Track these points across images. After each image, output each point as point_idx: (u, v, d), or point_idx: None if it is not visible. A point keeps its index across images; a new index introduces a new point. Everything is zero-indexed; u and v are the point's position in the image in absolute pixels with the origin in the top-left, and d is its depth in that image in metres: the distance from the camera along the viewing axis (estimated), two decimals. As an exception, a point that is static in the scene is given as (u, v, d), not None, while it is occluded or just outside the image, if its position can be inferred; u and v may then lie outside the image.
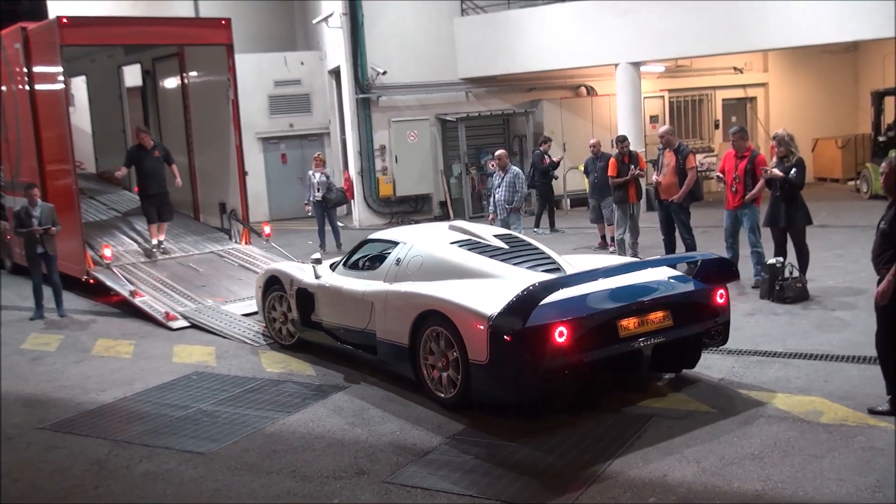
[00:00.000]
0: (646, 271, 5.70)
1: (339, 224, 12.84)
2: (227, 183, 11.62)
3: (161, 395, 6.26)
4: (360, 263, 7.03)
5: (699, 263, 5.90)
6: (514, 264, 5.96)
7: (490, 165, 16.45)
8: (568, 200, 16.61)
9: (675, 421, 5.08)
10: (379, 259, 6.89)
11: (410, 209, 16.97)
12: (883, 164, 4.54)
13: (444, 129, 17.12)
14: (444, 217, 16.29)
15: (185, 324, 8.28)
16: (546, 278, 5.49)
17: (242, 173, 11.28)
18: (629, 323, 5.31)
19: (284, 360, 6.92)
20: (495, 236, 6.47)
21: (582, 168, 12.63)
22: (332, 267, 7.22)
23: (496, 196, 10.55)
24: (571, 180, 16.21)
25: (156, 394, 6.27)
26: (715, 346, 5.90)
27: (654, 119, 17.17)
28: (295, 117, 19.34)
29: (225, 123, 11.25)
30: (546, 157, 13.71)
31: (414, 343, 5.78)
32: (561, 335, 5.02)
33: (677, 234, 9.48)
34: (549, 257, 6.22)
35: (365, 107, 16.64)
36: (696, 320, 5.61)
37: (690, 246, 9.35)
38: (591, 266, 5.88)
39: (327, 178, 12.80)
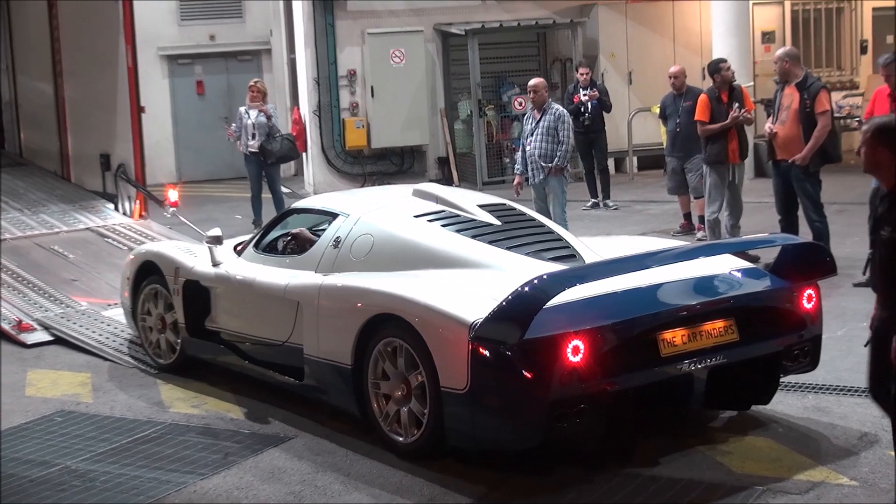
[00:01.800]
0: (701, 261, 5.59)
1: (285, 189, 12.42)
2: (112, 125, 11.60)
3: (8, 445, 6.03)
4: (282, 245, 6.87)
5: (780, 251, 5.79)
6: (510, 248, 5.85)
7: (516, 104, 15.72)
8: (634, 160, 15.95)
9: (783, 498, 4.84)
10: (305, 238, 6.73)
11: (394, 169, 16.31)
12: (864, 129, 4.47)
13: (446, 48, 16.34)
14: (445, 181, 15.63)
15: (47, 337, 8.18)
16: (555, 269, 5.39)
17: (137, 110, 11.20)
18: (675, 336, 5.23)
19: (197, 395, 6.77)
20: (482, 207, 6.35)
21: (657, 110, 11.91)
22: (239, 249, 7.08)
23: (527, 149, 9.88)
24: (640, 128, 15.50)
25: (-1, 444, 6.18)
26: (798, 371, 5.81)
27: (767, 37, 16.38)
28: (218, 25, 18.50)
29: (110, 35, 11.17)
30: (579, 92, 13.05)
31: (360, 363, 5.65)
32: (576, 352, 4.90)
33: (801, 212, 9.02)
34: (561, 239, 6.12)
35: (326, 11, 15.93)
36: (773, 334, 5.51)
37: (820, 231, 8.88)
38: (621, 252, 5.78)
39: (268, 118, 12.14)
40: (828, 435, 5.57)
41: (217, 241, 6.96)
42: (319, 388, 6.01)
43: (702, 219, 10.38)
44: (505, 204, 6.57)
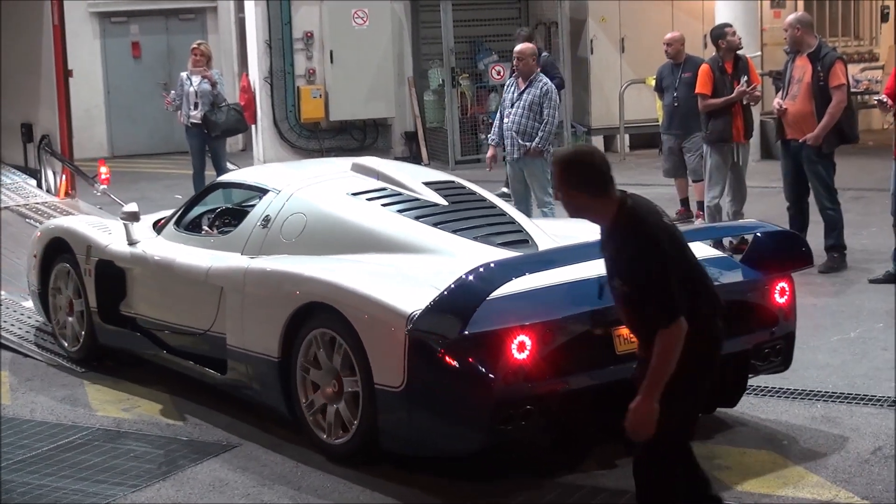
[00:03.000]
0: None
1: (231, 165, 12.33)
2: (35, 91, 11.38)
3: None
4: (206, 223, 6.89)
5: (752, 240, 5.86)
6: (456, 231, 5.89)
7: (494, 73, 15.03)
8: (626, 138, 15.93)
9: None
10: (235, 216, 6.75)
11: (355, 145, 16.20)
12: None
13: (415, 9, 16.27)
14: (411, 159, 15.52)
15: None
16: (504, 256, 5.43)
17: (63, 74, 11.01)
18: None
19: (128, 397, 6.72)
20: (427, 185, 6.39)
21: (652, 82, 11.62)
22: (158, 227, 7.09)
23: (506, 121, 9.62)
24: (633, 102, 15.47)
25: None
26: (769, 372, 5.89)
27: (777, 2, 16.25)
28: (157, -22, 18.22)
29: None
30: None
31: (288, 355, 5.70)
32: (522, 348, 4.95)
33: (812, 198, 8.94)
34: (513, 222, 6.16)
35: (279, -38, 15.72)
36: (741, 330, 5.55)
37: (833, 220, 8.82)
38: (578, 238, 5.75)
39: (212, 85, 11.98)
40: (837, 449, 5.52)
41: (133, 217, 6.95)
42: (244, 382, 6.04)
43: (701, 205, 10.26)
44: (453, 182, 6.61)
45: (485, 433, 5.01)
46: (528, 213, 8.61)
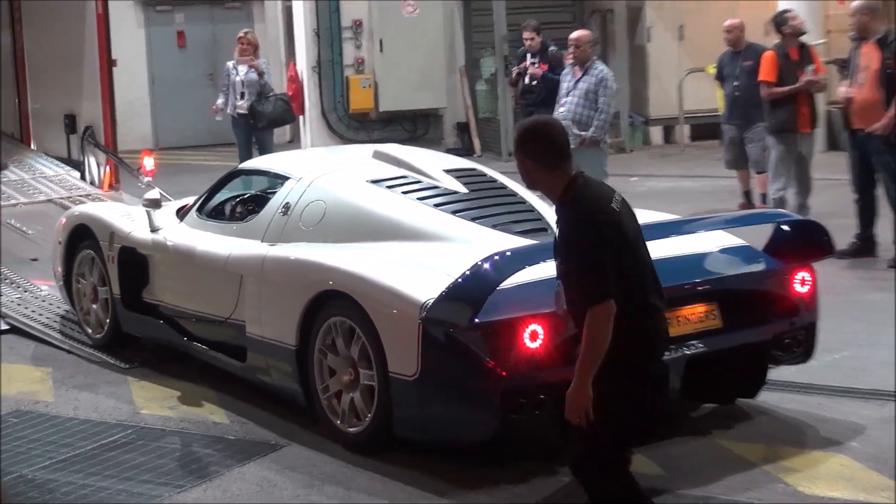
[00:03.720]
0: (684, 238, 5.76)
1: None
2: (78, 82, 11.67)
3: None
4: (227, 210, 7.19)
5: (773, 228, 6.05)
6: (475, 220, 6.10)
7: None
8: (686, 128, 16.10)
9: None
10: (256, 203, 7.03)
11: (405, 136, 16.35)
12: None
13: None
14: (463, 151, 15.59)
15: (1, 326, 8.36)
16: (521, 244, 5.63)
17: (107, 65, 11.30)
18: None
19: (173, 395, 6.84)
20: (448, 172, 6.62)
21: (713, 71, 11.72)
22: (181, 214, 7.38)
23: (561, 110, 9.77)
24: (693, 91, 15.59)
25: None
26: (791, 363, 6.09)
27: None
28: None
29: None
30: (528, 59, 11.99)
31: (305, 343, 5.95)
32: (534, 337, 5.15)
33: (880, 191, 8.90)
34: (532, 210, 6.37)
35: (328, -50, 15.80)
36: (762, 320, 5.78)
37: None
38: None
39: (259, 75, 12.24)
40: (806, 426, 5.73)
41: (156, 204, 7.24)
42: (261, 370, 6.32)
43: (764, 197, 10.33)
44: (474, 169, 6.84)
45: (497, 422, 5.22)
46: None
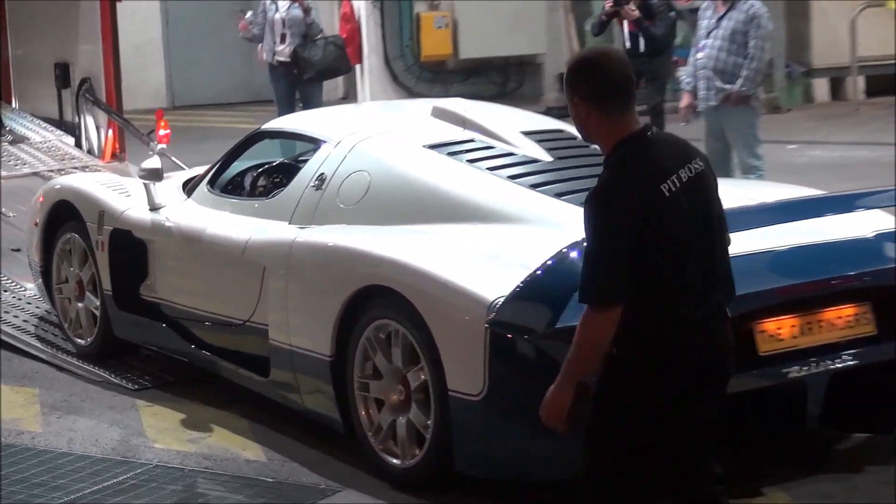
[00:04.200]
0: (828, 219, 5.60)
1: None
2: (72, 22, 11.58)
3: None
4: (246, 182, 7.07)
5: None
6: (559, 195, 5.93)
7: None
8: (860, 80, 15.76)
9: None
10: (283, 174, 6.90)
11: (493, 90, 16.30)
12: None
13: None
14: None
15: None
16: None
17: (111, 4, 11.18)
18: (781, 327, 5.31)
19: (193, 423, 6.75)
20: (527, 135, 6.46)
21: (893, 6, 11.73)
22: (189, 187, 7.28)
23: (699, 56, 9.47)
24: (869, 33, 15.22)
25: None
26: None
27: None
28: None
29: None
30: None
31: (343, 353, 5.82)
32: None
33: None
34: None
35: None
36: None
37: None
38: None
39: (305, 12, 12.00)
40: None
41: (156, 175, 7.11)
42: (288, 387, 6.18)
43: None
44: (562, 131, 6.64)
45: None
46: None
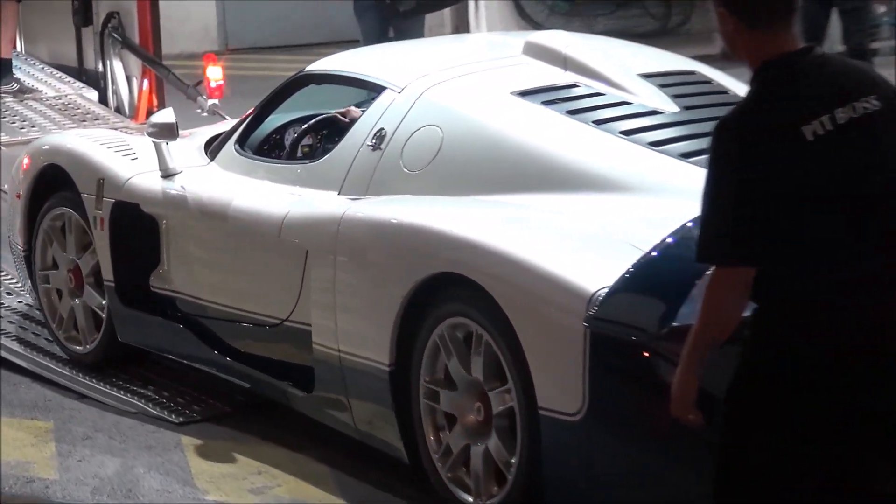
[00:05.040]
0: None
1: None
2: None
3: None
4: (285, 142, 7.28)
5: None
6: (685, 156, 6.06)
7: None
8: None
9: None
10: (330, 131, 7.12)
11: (651, 25, 16.82)
12: None
13: None
14: None
15: None
16: None
17: None
18: None
19: (258, 466, 6.82)
20: (647, 78, 6.61)
21: None
22: (212, 148, 7.50)
23: None
24: None
25: None
26: None
27: None
28: None
29: None
30: None
31: (406, 361, 6.05)
32: None
33: None
34: None
35: None
36: None
37: None
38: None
39: None
40: None
41: (169, 131, 7.30)
42: (338, 404, 6.39)
43: None
44: (692, 73, 6.76)
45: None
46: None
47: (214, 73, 10.09)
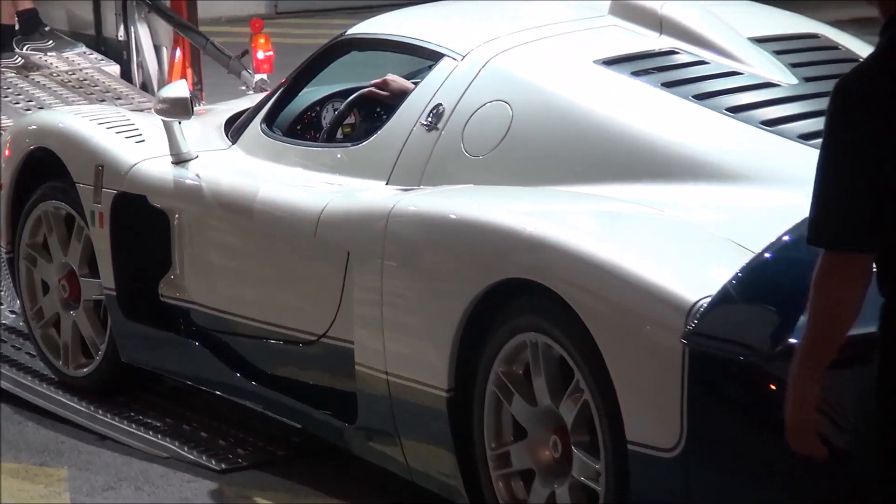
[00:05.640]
0: None
1: None
2: None
3: None
4: (322, 120, 7.45)
5: None
6: (804, 138, 6.13)
7: None
8: None
9: None
10: (376, 107, 7.30)
11: None
12: None
13: None
14: None
15: None
16: None
17: None
18: None
19: None
20: (759, 43, 6.71)
21: None
22: (234, 129, 7.64)
23: None
24: None
25: None
26: None
27: None
28: None
29: None
30: None
31: (467, 385, 6.18)
32: None
33: None
34: None
35: None
36: None
37: None
38: None
39: None
40: None
41: (182, 108, 7.41)
42: (386, 436, 6.51)
43: None
44: (816, 37, 6.86)
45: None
46: None
47: (262, 42, 10.34)
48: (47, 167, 7.97)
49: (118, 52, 12.19)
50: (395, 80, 7.23)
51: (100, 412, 7.94)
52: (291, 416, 7.14)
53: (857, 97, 4.06)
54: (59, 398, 8.12)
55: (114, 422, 7.86)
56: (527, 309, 5.95)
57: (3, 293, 9.10)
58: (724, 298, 5.23)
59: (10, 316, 8.94)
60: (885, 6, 4.07)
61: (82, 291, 7.91)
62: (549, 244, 5.88)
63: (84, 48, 12.38)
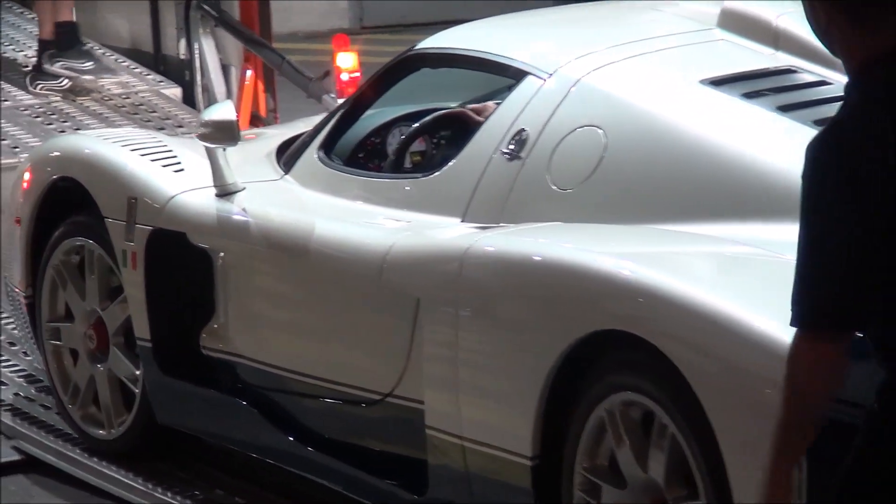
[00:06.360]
0: None
1: None
2: None
3: None
4: (388, 147, 7.67)
5: None
6: None
7: None
8: None
9: None
10: (449, 133, 7.50)
11: None
12: None
13: None
14: None
15: (12, 455, 8.86)
16: None
17: None
18: None
19: None
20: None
21: None
22: (286, 156, 7.87)
23: None
24: None
25: None
26: None
27: None
28: None
29: None
30: None
31: (554, 451, 6.34)
32: None
33: None
34: None
35: None
36: None
37: None
38: None
39: None
40: None
41: (228, 133, 7.61)
42: None
43: None
44: None
45: None
46: None
47: (346, 61, 10.51)
48: (72, 200, 8.13)
49: (179, 71, 12.49)
50: (491, 106, 7.37)
51: (131, 478, 8.09)
52: (350, 487, 7.27)
53: (813, 158, 4.26)
54: (81, 459, 8.31)
55: (146, 489, 8.01)
56: (623, 365, 6.15)
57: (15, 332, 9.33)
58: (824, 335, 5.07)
59: (26, 359, 9.20)
60: (847, 68, 4.38)
61: (111, 346, 8.11)
62: (648, 292, 6.02)
63: (134, 65, 12.68)
